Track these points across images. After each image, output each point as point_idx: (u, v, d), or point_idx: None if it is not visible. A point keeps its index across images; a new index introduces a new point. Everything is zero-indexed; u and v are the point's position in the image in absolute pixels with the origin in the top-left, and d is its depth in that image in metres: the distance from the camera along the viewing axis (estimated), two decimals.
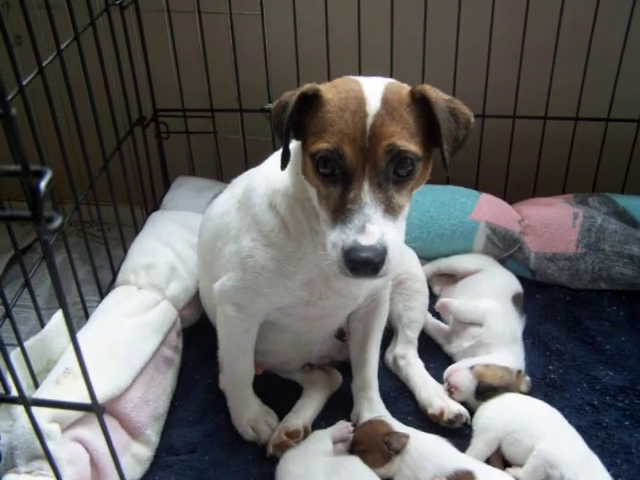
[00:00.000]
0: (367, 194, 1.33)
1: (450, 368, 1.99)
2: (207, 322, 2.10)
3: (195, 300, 2.18)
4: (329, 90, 1.42)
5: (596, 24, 2.29)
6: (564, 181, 2.58)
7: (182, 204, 2.52)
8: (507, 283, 2.25)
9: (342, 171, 1.36)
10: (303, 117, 1.43)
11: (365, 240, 1.30)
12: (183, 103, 2.60)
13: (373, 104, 1.36)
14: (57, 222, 0.69)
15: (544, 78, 2.39)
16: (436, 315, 2.26)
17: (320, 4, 2.32)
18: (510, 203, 2.48)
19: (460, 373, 1.94)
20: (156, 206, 2.61)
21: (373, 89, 1.39)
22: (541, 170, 2.57)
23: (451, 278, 2.35)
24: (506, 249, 2.35)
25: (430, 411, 1.91)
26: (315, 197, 1.45)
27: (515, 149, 2.55)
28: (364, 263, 1.31)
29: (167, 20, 2.47)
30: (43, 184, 0.67)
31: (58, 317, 1.87)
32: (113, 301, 2.06)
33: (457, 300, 2.14)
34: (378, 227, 1.32)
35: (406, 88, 1.43)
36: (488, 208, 2.38)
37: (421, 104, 1.40)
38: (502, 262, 2.37)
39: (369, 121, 1.34)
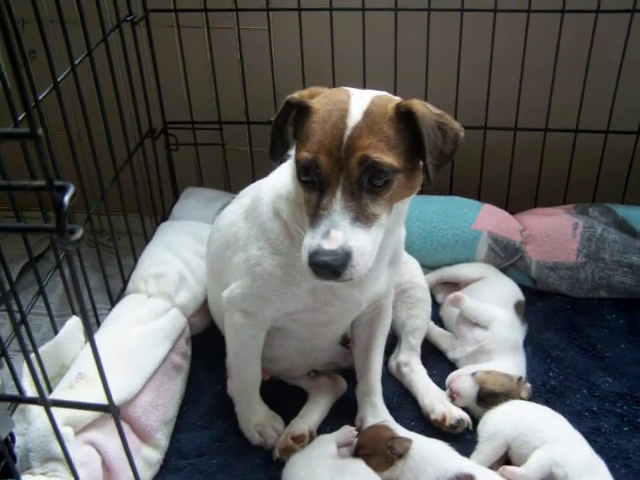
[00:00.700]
0: (338, 202, 1.38)
1: (452, 374, 2.04)
2: (215, 330, 2.14)
3: (203, 308, 2.23)
4: (319, 100, 1.47)
5: (595, 38, 2.32)
6: (565, 192, 2.62)
7: (191, 214, 2.57)
8: (509, 291, 2.30)
9: (319, 179, 1.41)
10: (298, 122, 1.50)
11: (327, 245, 1.36)
12: (192, 116, 2.66)
13: (354, 116, 1.40)
14: (79, 234, 0.74)
15: (545, 91, 2.43)
16: (439, 323, 2.31)
17: (325, 19, 2.37)
18: (512, 213, 2.53)
19: (462, 379, 1.98)
20: (165, 216, 2.66)
21: (359, 101, 1.43)
22: (542, 181, 2.61)
23: (454, 286, 2.39)
24: (508, 258, 2.40)
25: (433, 416, 1.95)
26: None
27: (516, 160, 2.59)
28: (323, 266, 1.37)
29: (177, 35, 2.53)
30: (67, 198, 0.72)
31: (71, 324, 1.93)
32: (124, 309, 2.12)
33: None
34: (342, 233, 1.37)
35: (394, 101, 1.47)
36: (490, 218, 2.43)
37: (407, 118, 1.43)
38: (504, 271, 2.41)
39: (347, 133, 1.39)
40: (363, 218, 1.40)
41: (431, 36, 2.38)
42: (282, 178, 1.70)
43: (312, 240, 1.39)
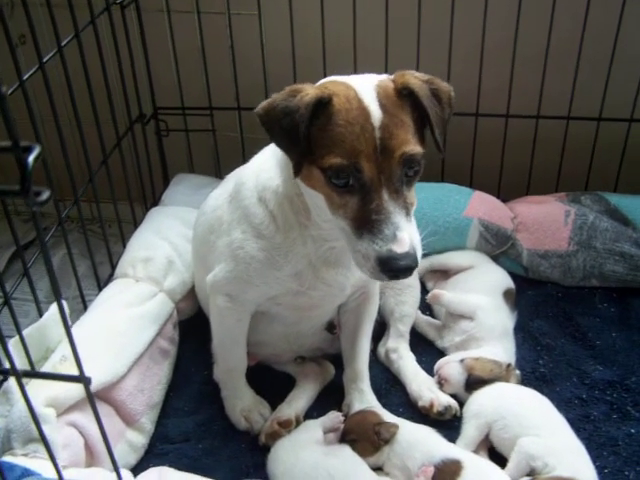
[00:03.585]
0: (389, 203, 1.37)
1: (440, 361, 2.02)
2: (203, 316, 2.13)
3: (192, 293, 2.21)
4: (336, 100, 1.41)
5: (587, 25, 2.32)
6: (557, 180, 2.61)
7: (181, 200, 2.56)
8: (499, 279, 2.28)
9: (359, 184, 1.39)
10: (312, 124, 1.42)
11: (400, 248, 1.35)
12: (183, 101, 2.64)
13: (375, 114, 1.38)
14: (45, 195, 0.73)
15: (536, 78, 2.42)
16: (428, 312, 2.30)
17: (316, 4, 2.36)
18: (503, 201, 2.51)
19: (450, 366, 1.97)
20: (155, 202, 2.65)
21: (369, 95, 1.41)
22: (534, 169, 2.60)
23: (444, 274, 2.38)
24: (499, 246, 2.39)
25: (420, 403, 1.94)
26: (315, 200, 1.49)
27: (508, 148, 2.58)
28: (404, 270, 1.37)
29: (167, 20, 2.51)
30: (31, 158, 0.71)
31: (56, 306, 1.91)
32: (111, 293, 2.10)
33: (448, 292, 2.17)
34: (407, 233, 1.37)
35: (391, 85, 1.45)
36: (481, 205, 2.41)
37: (409, 96, 1.44)
38: (495, 259, 2.40)
39: (377, 134, 1.37)
40: (407, 211, 1.41)
41: (422, 22, 2.36)
42: (267, 167, 1.67)
43: (376, 246, 1.36)
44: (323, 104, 1.40)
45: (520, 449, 1.69)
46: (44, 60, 1.80)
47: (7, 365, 1.51)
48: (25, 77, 1.69)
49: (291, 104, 1.41)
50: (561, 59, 2.40)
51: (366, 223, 1.38)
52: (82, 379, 0.86)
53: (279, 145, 1.51)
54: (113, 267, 2.31)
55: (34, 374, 1.05)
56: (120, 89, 2.32)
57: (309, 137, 1.41)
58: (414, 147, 1.39)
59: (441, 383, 1.96)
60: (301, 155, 1.42)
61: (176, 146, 2.77)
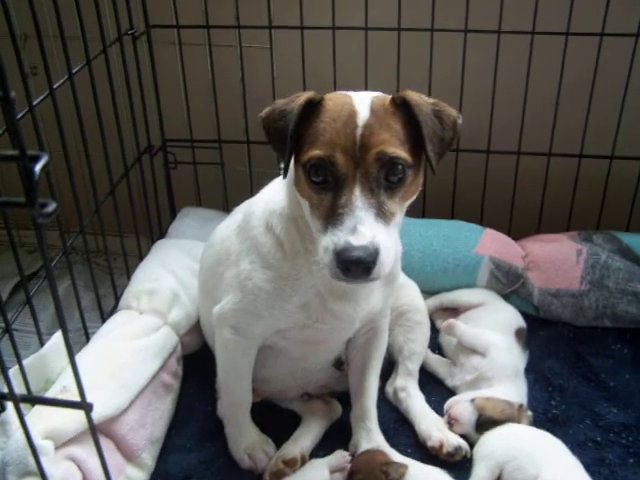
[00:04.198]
0: (358, 198, 1.34)
1: (451, 400, 1.97)
2: (208, 350, 2.08)
3: (196, 327, 2.17)
4: (327, 101, 1.45)
5: (600, 62, 2.31)
6: (568, 218, 2.58)
7: (188, 233, 2.53)
8: (510, 317, 2.24)
9: (334, 178, 1.37)
10: (299, 127, 1.44)
11: (356, 240, 1.31)
12: (192, 134, 2.63)
13: (362, 114, 1.38)
14: (51, 207, 0.70)
15: (549, 115, 2.41)
16: (438, 350, 2.25)
17: (328, 39, 2.36)
18: (514, 240, 2.48)
19: (461, 405, 1.92)
20: (161, 235, 2.62)
21: (362, 101, 1.42)
22: (545, 207, 2.58)
23: (454, 312, 2.33)
24: (510, 284, 2.35)
25: (429, 443, 1.88)
26: (307, 210, 1.47)
27: (519, 186, 2.56)
28: (356, 262, 1.31)
29: (178, 52, 2.52)
30: (38, 167, 0.68)
31: (58, 337, 1.87)
32: (114, 324, 2.06)
33: (463, 324, 2.13)
34: (369, 228, 1.32)
35: (389, 97, 1.46)
36: (492, 243, 2.38)
37: (405, 110, 1.43)
38: (505, 298, 2.36)
39: (359, 131, 1.37)
40: (382, 215, 1.37)
41: (434, 58, 2.36)
42: (275, 193, 1.67)
43: (335, 238, 1.33)
44: (314, 104, 1.43)
45: None
46: (54, 86, 1.79)
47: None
48: (35, 102, 1.68)
49: (287, 107, 1.45)
50: (574, 97, 2.39)
51: (332, 218, 1.36)
52: (83, 406, 0.82)
53: (274, 148, 1.53)
54: (117, 300, 2.28)
55: (33, 399, 1.01)
56: (129, 120, 2.31)
57: (300, 139, 1.43)
58: (396, 149, 1.37)
59: (451, 423, 1.91)
60: (289, 156, 1.44)
61: (184, 179, 2.75)
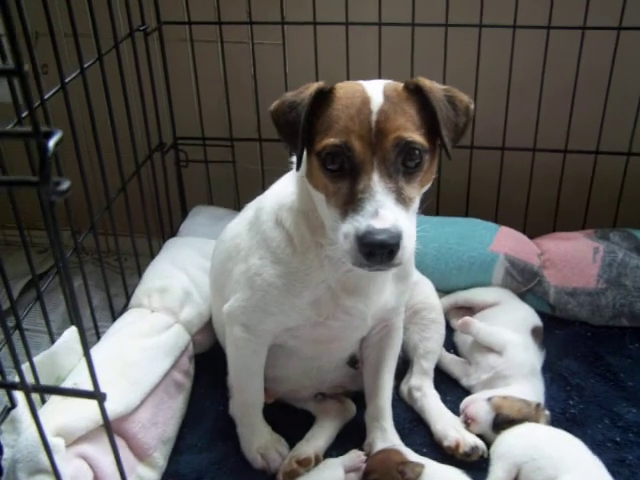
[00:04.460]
0: (377, 184, 1.32)
1: (467, 399, 1.94)
2: (220, 349, 2.06)
3: (208, 326, 2.15)
4: (338, 90, 1.43)
5: (616, 57, 2.28)
6: (584, 216, 2.55)
7: (199, 232, 2.51)
8: (526, 316, 2.20)
9: (351, 165, 1.35)
10: (310, 117, 1.42)
11: (379, 224, 1.28)
12: (203, 131, 2.62)
13: (376, 101, 1.37)
14: (65, 185, 0.67)
15: (564, 112, 2.38)
16: (453, 350, 2.22)
17: (341, 34, 2.34)
18: (530, 238, 2.44)
19: (477, 404, 1.88)
20: (173, 234, 2.60)
21: (374, 88, 1.41)
22: (561, 205, 2.54)
23: (469, 311, 2.30)
24: (525, 283, 2.31)
25: (445, 443, 1.85)
26: (320, 202, 1.45)
27: (535, 183, 2.52)
28: (380, 246, 1.28)
29: (190, 49, 2.51)
30: (52, 143, 0.66)
31: (69, 334, 1.85)
32: (125, 322, 2.04)
33: (479, 322, 2.10)
34: (391, 212, 1.30)
35: (401, 84, 1.45)
36: (507, 240, 2.35)
37: (418, 96, 1.42)
38: (521, 297, 2.32)
39: (373, 118, 1.35)
40: (402, 201, 1.35)
41: (449, 53, 2.33)
42: (285, 188, 1.65)
43: (357, 224, 1.31)
44: (324, 94, 1.41)
45: None
46: (66, 81, 1.78)
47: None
48: (47, 96, 1.66)
49: (297, 98, 1.44)
50: (590, 92, 2.36)
51: (352, 204, 1.33)
52: (97, 395, 0.79)
53: (285, 140, 1.50)
54: (128, 299, 2.25)
55: (44, 389, 0.98)
56: (141, 118, 2.29)
57: (312, 129, 1.42)
58: (412, 134, 1.36)
59: (467, 422, 1.87)
60: (302, 147, 1.43)
61: (195, 177, 2.74)
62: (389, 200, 1.32)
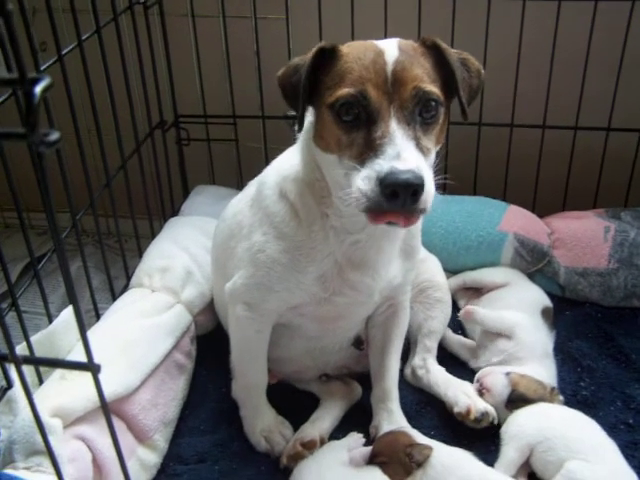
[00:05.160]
0: (396, 130, 1.29)
1: (484, 370, 1.90)
2: (222, 331, 2.02)
3: (210, 307, 2.11)
4: (344, 47, 1.41)
5: (629, 31, 2.22)
6: (595, 195, 2.50)
7: (201, 211, 2.47)
8: (536, 296, 2.15)
9: (367, 114, 1.32)
10: (315, 77, 1.40)
11: (402, 165, 1.24)
12: (205, 109, 2.56)
13: (391, 53, 1.35)
14: (54, 136, 0.62)
15: (575, 88, 2.32)
16: (460, 331, 2.17)
17: (346, 8, 2.29)
18: (539, 217, 2.39)
19: (495, 376, 1.84)
20: (174, 214, 2.55)
21: (388, 42, 1.39)
22: (571, 183, 2.49)
23: (477, 292, 2.25)
24: (534, 263, 2.26)
25: (456, 409, 1.81)
26: (329, 166, 1.42)
27: (544, 161, 2.47)
28: (404, 185, 1.23)
29: (191, 24, 2.45)
30: (38, 89, 0.61)
31: (67, 313, 1.81)
32: (126, 302, 2.00)
33: (482, 309, 2.04)
34: (414, 156, 1.27)
35: (416, 42, 1.44)
36: (516, 219, 2.30)
37: (433, 53, 1.41)
38: (530, 277, 2.27)
39: (389, 68, 1.32)
40: (420, 149, 1.31)
41: (457, 27, 2.28)
42: (288, 160, 1.62)
43: (379, 166, 1.26)
44: (330, 53, 1.39)
45: (567, 474, 1.55)
46: (63, 53, 1.72)
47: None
48: (43, 67, 1.61)
49: (301, 61, 1.42)
50: (600, 69, 2.30)
51: (370, 150, 1.29)
52: (90, 367, 0.75)
53: (289, 103, 1.47)
54: (128, 280, 2.21)
55: (35, 360, 0.94)
56: (141, 94, 2.24)
57: (320, 86, 1.39)
58: (429, 85, 1.34)
59: (482, 392, 1.83)
60: (304, 105, 1.41)
61: (197, 156, 2.69)
62: (410, 145, 1.28)
